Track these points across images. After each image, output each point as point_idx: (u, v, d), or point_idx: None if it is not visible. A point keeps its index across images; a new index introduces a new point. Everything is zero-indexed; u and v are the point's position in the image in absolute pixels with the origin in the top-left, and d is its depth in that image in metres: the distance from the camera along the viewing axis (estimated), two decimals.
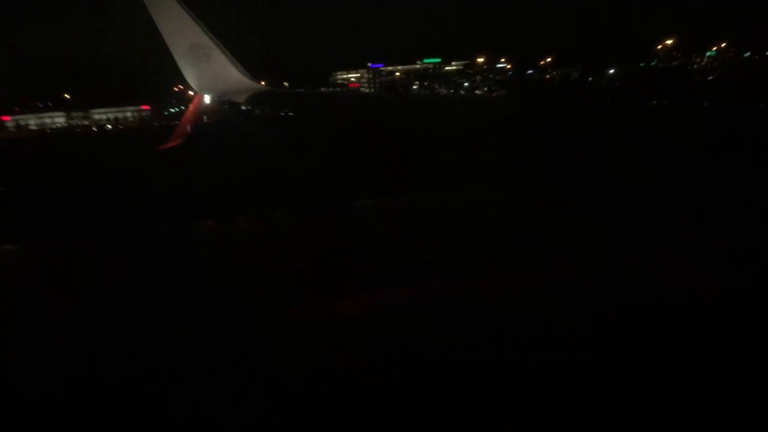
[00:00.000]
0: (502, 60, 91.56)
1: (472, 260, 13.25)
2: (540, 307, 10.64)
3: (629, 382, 7.53)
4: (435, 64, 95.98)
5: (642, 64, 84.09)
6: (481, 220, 17.45)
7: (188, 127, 12.12)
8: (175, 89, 78.93)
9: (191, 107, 12.39)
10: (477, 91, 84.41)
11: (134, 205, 19.88)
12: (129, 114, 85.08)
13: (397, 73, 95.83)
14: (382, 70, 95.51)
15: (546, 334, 9.50)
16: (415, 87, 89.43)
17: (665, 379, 7.10)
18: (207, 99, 12.57)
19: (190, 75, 12.35)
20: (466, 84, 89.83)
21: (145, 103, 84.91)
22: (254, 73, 13.14)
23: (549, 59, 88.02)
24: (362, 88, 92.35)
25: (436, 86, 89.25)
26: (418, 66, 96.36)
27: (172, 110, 79.78)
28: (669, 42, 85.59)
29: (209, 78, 12.32)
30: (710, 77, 67.59)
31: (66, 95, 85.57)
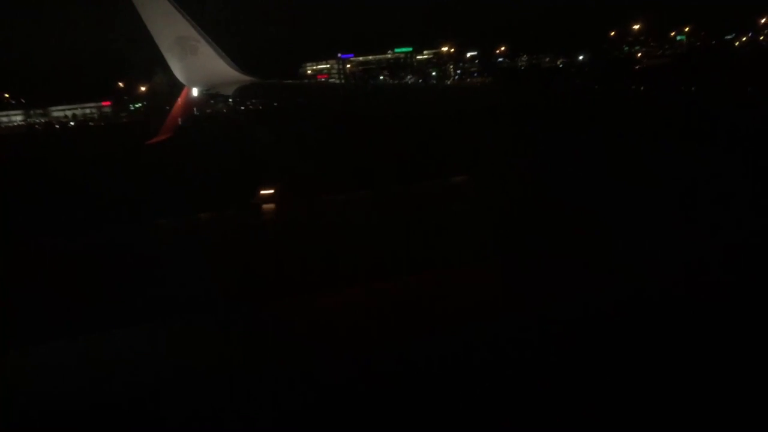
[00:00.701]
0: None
1: (464, 253, 13.36)
2: (536, 303, 10.78)
3: (629, 381, 7.72)
4: (407, 53, 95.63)
5: (626, 48, 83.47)
6: (476, 211, 17.56)
7: (178, 120, 11.88)
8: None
9: (180, 101, 12.16)
10: (447, 81, 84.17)
11: (110, 200, 19.41)
12: (89, 111, 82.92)
13: (348, 65, 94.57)
14: (352, 60, 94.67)
15: (544, 331, 9.67)
16: (382, 77, 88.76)
17: (664, 377, 7.33)
18: (195, 92, 12.37)
19: (177, 68, 12.13)
20: (434, 73, 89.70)
21: (106, 99, 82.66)
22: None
23: (514, 47, 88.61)
24: (331, 79, 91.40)
25: (402, 73, 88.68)
26: (389, 55, 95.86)
27: (137, 105, 77.92)
28: (636, 27, 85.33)
29: (197, 71, 12.13)
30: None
31: (14, 93, 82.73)
